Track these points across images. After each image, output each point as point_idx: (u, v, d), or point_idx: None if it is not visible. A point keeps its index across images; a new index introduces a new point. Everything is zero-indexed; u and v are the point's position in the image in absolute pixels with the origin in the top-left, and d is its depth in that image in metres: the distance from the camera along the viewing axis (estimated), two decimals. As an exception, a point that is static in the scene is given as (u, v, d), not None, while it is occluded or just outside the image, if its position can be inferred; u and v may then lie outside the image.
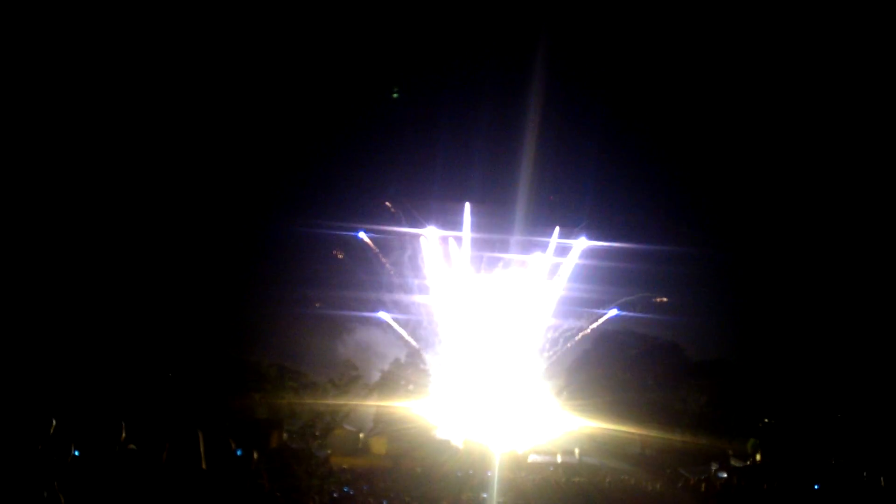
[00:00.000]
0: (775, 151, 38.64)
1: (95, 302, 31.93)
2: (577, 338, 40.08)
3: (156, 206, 34.89)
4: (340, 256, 38.82)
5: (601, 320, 39.90)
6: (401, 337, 40.38)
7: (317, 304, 38.71)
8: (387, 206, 39.60)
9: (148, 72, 33.93)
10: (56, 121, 30.95)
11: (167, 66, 34.25)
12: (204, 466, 6.24)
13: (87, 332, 30.56)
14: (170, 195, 35.19)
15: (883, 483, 19.72)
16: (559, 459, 35.17)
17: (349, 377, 38.41)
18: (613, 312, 39.45)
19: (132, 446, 6.36)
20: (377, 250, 39.52)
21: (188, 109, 35.15)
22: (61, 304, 30.52)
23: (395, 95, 39.19)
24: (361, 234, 39.17)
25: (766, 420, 34.79)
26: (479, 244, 40.42)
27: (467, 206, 39.90)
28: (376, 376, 39.75)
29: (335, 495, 17.78)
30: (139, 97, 34.19)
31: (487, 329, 41.14)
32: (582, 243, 40.08)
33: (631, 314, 39.71)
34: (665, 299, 39.11)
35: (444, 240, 40.58)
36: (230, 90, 36.69)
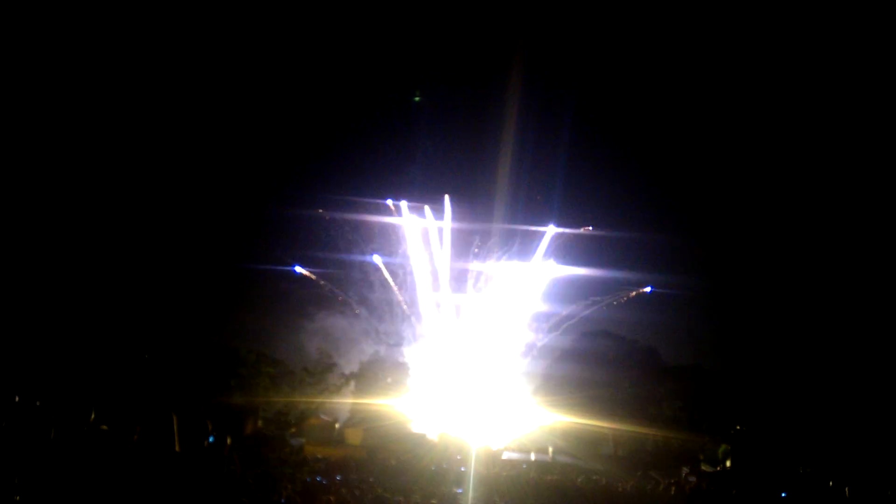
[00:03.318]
0: (756, 157, 38.98)
1: (71, 285, 31.60)
2: (556, 332, 40.38)
3: (132, 193, 34.64)
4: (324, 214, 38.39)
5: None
6: (376, 329, 40.39)
7: (288, 285, 38.50)
8: (388, 202, 39.56)
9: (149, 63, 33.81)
10: (37, 113, 30.66)
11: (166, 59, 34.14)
12: (177, 449, 6.23)
13: (63, 314, 30.25)
14: (146, 182, 34.95)
15: (848, 493, 20.08)
16: (533, 457, 35.40)
17: (323, 365, 38.51)
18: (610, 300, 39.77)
19: (104, 427, 6.32)
20: (357, 240, 39.49)
21: (171, 107, 34.94)
22: (35, 287, 30.20)
23: (416, 98, 39.11)
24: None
25: (738, 427, 35.24)
26: (458, 239, 40.55)
27: (447, 198, 39.96)
28: (354, 366, 39.74)
29: (308, 483, 17.76)
30: (131, 88, 33.99)
31: (466, 325, 41.28)
32: (559, 251, 40.46)
33: (611, 309, 40.11)
34: (648, 289, 39.45)
35: (426, 235, 40.65)
36: (217, 85, 36.47)
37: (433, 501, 18.09)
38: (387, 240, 40.21)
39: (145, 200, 35.22)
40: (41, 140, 31.93)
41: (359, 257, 39.73)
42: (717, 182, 39.95)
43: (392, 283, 40.16)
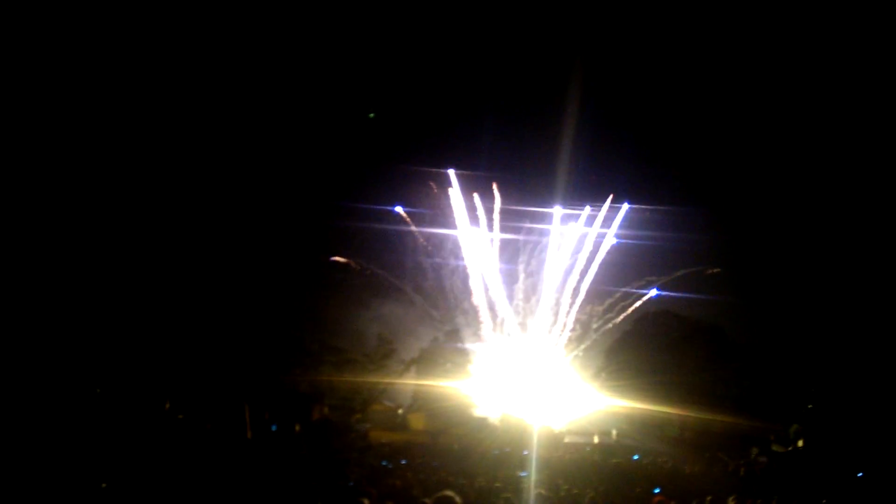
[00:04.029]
0: (819, 129, 37.19)
1: (144, 283, 32.79)
2: (617, 320, 39.61)
3: (211, 186, 35.48)
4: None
5: (640, 301, 39.27)
6: (431, 315, 40.48)
7: (344, 275, 38.72)
8: (431, 185, 39.42)
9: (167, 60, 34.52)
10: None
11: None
12: (249, 436, 6.50)
13: (133, 305, 31.44)
14: (217, 175, 35.78)
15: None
16: (596, 440, 35.18)
17: (384, 352, 39.08)
18: (653, 292, 38.80)
19: (180, 416, 6.65)
20: (412, 225, 39.46)
21: (196, 100, 35.55)
22: (113, 284, 31.49)
23: (371, 116, 38.82)
24: (398, 209, 39.09)
25: (810, 406, 34.12)
26: (512, 220, 39.99)
27: (495, 186, 39.45)
28: (414, 352, 40.13)
29: (374, 467, 18.17)
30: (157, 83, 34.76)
31: (524, 308, 41.04)
32: (620, 220, 39.49)
33: (672, 294, 38.99)
34: (718, 270, 38.06)
35: (475, 217, 40.33)
36: (285, 74, 36.85)
37: (497, 484, 18.21)
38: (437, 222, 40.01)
39: (224, 199, 35.95)
40: (125, 137, 33.10)
41: (411, 247, 39.74)
42: (785, 159, 38.24)
43: (445, 269, 40.12)
